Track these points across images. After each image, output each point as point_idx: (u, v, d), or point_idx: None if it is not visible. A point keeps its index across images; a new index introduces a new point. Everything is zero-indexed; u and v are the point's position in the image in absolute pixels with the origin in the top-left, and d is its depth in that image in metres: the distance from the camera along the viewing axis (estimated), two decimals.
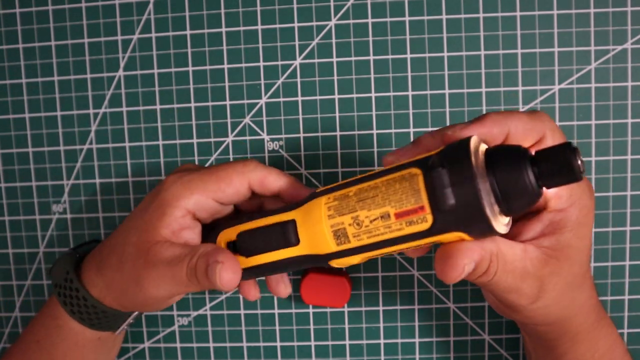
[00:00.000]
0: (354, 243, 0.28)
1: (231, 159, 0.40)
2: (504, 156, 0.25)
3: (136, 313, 0.36)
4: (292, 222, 0.30)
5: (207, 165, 0.40)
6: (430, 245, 0.28)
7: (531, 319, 0.30)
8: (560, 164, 0.24)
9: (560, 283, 0.28)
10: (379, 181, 0.27)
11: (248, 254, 0.31)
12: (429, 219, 0.25)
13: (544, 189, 0.25)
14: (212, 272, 0.29)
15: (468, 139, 0.25)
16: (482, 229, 0.25)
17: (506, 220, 0.26)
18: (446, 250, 0.27)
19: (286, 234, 0.30)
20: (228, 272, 0.29)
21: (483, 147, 0.26)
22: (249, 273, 0.32)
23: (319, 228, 0.28)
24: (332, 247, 0.28)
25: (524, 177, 0.24)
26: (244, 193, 0.33)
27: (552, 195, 0.28)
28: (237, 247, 0.32)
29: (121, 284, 0.33)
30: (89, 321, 0.34)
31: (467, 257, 0.26)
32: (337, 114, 0.40)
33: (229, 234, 0.32)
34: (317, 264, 0.30)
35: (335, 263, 0.29)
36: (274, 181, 0.32)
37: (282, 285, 0.36)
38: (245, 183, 0.32)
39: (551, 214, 0.28)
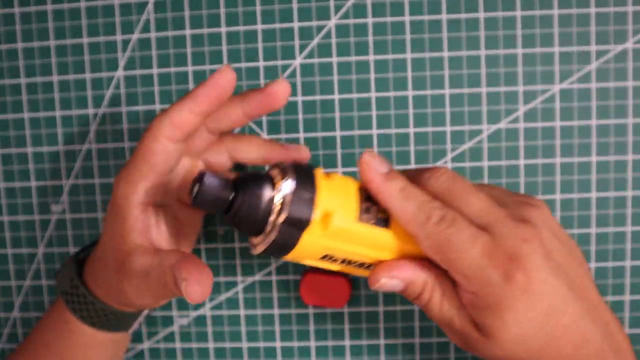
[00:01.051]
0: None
1: None
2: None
3: (146, 312, 0.36)
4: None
5: None
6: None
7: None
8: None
9: (489, 351, 0.28)
10: None
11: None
12: None
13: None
14: (179, 287, 0.27)
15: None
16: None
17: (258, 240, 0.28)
18: (384, 262, 0.29)
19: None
20: (194, 287, 0.27)
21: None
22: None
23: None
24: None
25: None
26: (173, 153, 0.31)
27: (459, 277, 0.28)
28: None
29: (115, 294, 0.32)
30: (100, 324, 0.34)
31: (386, 273, 0.28)
32: (337, 114, 0.40)
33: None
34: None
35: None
36: (186, 117, 0.30)
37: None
38: (165, 143, 0.30)
39: (465, 293, 0.28)
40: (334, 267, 0.31)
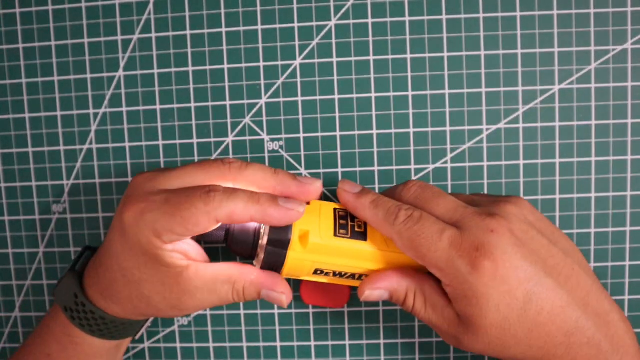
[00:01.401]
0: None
1: None
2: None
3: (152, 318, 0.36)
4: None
5: None
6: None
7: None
8: None
9: (479, 343, 0.29)
10: None
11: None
12: None
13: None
14: (272, 298, 0.32)
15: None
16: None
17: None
18: (370, 275, 0.33)
19: None
20: (288, 298, 0.32)
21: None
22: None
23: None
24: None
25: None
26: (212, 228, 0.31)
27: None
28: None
29: (147, 306, 0.32)
30: (109, 335, 0.34)
31: (369, 285, 0.32)
32: (337, 114, 0.40)
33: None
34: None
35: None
36: (241, 214, 0.30)
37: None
38: (213, 222, 0.30)
39: (447, 287, 0.30)
40: (328, 280, 0.34)
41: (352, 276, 0.34)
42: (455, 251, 0.28)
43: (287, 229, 0.32)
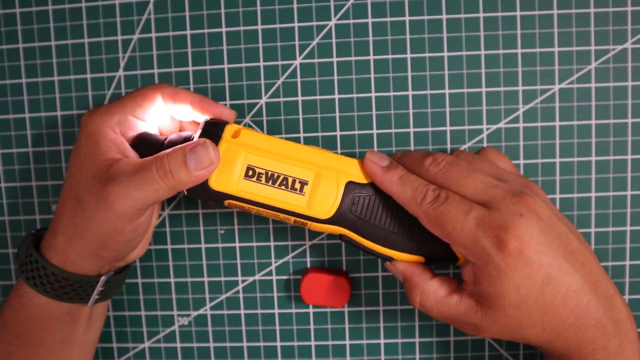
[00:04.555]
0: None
1: None
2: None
3: (103, 278, 0.35)
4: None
5: None
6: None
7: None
8: None
9: (497, 324, 0.30)
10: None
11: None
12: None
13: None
14: (196, 152, 0.31)
15: None
16: None
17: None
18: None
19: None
20: (216, 150, 0.31)
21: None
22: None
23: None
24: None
25: None
26: (159, 107, 0.34)
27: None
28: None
29: (83, 224, 0.32)
30: (53, 292, 0.34)
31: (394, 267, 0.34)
32: (337, 114, 0.40)
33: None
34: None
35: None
36: (184, 95, 0.34)
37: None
38: (158, 95, 0.34)
39: (467, 265, 0.31)
40: (263, 189, 0.32)
41: (286, 183, 0.32)
42: (482, 231, 0.29)
43: (220, 126, 0.33)
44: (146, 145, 0.34)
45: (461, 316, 0.31)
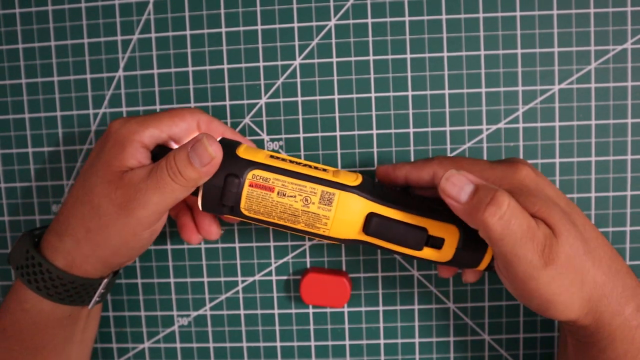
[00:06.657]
0: None
1: None
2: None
3: (106, 281, 0.35)
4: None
5: None
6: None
7: (547, 295, 0.30)
8: None
9: (563, 253, 0.30)
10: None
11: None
12: None
13: None
14: (196, 149, 0.30)
15: None
16: None
17: None
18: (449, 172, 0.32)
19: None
20: (214, 143, 0.31)
21: None
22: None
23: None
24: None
25: None
26: (193, 131, 0.35)
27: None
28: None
29: (98, 230, 0.32)
30: (57, 295, 0.34)
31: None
32: (337, 114, 0.40)
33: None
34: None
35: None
36: (218, 125, 0.36)
37: (215, 226, 0.37)
38: (195, 121, 0.35)
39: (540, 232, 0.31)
40: (285, 166, 0.32)
41: (309, 166, 0.33)
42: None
43: (234, 144, 0.33)
44: (165, 152, 0.34)
45: (540, 236, 0.30)
